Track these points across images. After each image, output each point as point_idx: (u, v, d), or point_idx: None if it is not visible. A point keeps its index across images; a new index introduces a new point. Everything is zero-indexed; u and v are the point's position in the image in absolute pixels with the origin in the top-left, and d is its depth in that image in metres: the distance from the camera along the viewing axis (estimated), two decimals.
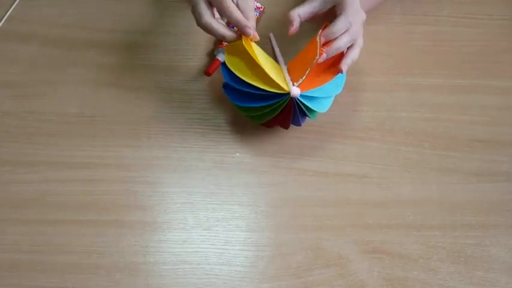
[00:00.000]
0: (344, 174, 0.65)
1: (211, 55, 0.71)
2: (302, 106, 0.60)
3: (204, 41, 0.73)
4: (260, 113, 0.62)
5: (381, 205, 0.63)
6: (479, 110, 0.69)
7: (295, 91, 0.59)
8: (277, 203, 0.63)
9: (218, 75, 0.67)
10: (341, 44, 0.61)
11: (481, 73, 0.72)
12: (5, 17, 0.74)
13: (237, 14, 0.59)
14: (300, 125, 0.64)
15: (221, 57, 0.68)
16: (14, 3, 0.75)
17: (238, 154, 0.66)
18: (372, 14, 0.76)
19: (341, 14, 0.61)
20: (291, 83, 0.60)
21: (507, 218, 0.63)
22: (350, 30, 0.61)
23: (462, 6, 0.77)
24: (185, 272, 0.59)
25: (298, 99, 0.59)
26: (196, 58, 0.72)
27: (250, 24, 0.60)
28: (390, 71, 0.72)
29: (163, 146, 0.66)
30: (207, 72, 0.68)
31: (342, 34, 0.61)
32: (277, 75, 0.60)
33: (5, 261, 0.59)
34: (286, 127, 0.65)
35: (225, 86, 0.64)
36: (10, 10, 0.74)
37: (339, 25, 0.60)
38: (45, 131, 0.66)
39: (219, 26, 0.60)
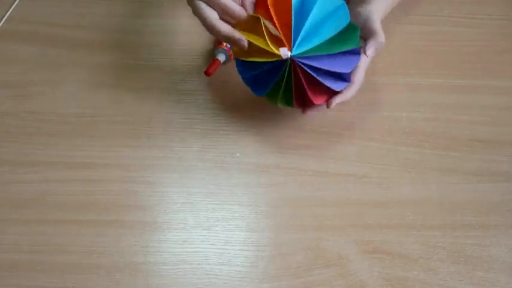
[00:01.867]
0: (344, 174, 0.65)
1: (211, 55, 0.71)
2: (306, 67, 0.58)
3: (203, 41, 0.73)
4: (282, 95, 0.61)
5: (381, 205, 0.63)
6: (479, 110, 0.69)
7: (283, 52, 0.57)
8: (277, 203, 0.63)
9: (218, 75, 0.67)
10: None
11: (481, 73, 0.72)
12: (5, 17, 0.74)
13: (230, 4, 0.58)
14: (337, 89, 0.61)
15: (221, 57, 0.68)
16: (14, 3, 0.75)
17: (238, 154, 0.66)
18: None
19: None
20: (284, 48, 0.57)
21: (507, 218, 0.63)
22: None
23: (462, 6, 0.77)
24: (185, 272, 0.59)
25: (297, 60, 0.57)
26: (196, 58, 0.72)
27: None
28: (390, 71, 0.72)
29: (163, 146, 0.66)
30: (207, 72, 0.68)
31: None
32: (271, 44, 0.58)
33: (5, 261, 0.59)
34: (319, 102, 0.61)
35: (247, 81, 0.64)
36: (10, 10, 0.74)
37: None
38: (45, 131, 0.66)
39: (223, 26, 0.58)
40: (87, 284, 0.58)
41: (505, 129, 0.68)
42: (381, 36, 0.63)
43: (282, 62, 0.58)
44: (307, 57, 0.57)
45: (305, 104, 0.63)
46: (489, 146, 0.67)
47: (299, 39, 0.57)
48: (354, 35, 0.60)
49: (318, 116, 0.67)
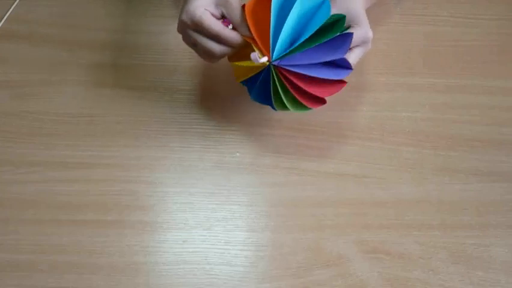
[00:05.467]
0: (344, 174, 0.65)
1: None
2: (290, 67, 0.55)
3: None
4: (288, 102, 0.58)
5: (381, 205, 0.63)
6: (479, 110, 0.69)
7: (253, 56, 0.53)
8: (277, 203, 0.63)
9: (219, 76, 0.67)
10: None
11: (480, 73, 0.72)
12: (5, 17, 0.74)
13: (217, 28, 0.56)
14: (339, 77, 0.58)
15: None
16: (14, 3, 0.75)
17: (238, 154, 0.66)
18: (372, 14, 0.76)
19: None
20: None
21: (507, 218, 0.63)
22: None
23: (462, 6, 0.77)
24: (185, 272, 0.59)
25: (279, 64, 0.54)
26: (196, 58, 0.72)
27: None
28: (390, 71, 0.72)
29: (163, 146, 0.66)
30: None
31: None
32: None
33: (5, 261, 0.59)
34: (327, 94, 0.58)
35: (257, 98, 0.61)
36: (10, 10, 0.74)
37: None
38: (45, 131, 0.66)
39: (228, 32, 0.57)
40: (87, 284, 0.58)
41: (505, 129, 0.68)
42: (365, 30, 0.60)
43: (267, 71, 0.56)
44: (288, 58, 0.55)
45: (319, 100, 0.59)
46: (489, 146, 0.67)
47: (278, 44, 0.54)
48: (339, 24, 0.57)
49: (318, 116, 0.67)
